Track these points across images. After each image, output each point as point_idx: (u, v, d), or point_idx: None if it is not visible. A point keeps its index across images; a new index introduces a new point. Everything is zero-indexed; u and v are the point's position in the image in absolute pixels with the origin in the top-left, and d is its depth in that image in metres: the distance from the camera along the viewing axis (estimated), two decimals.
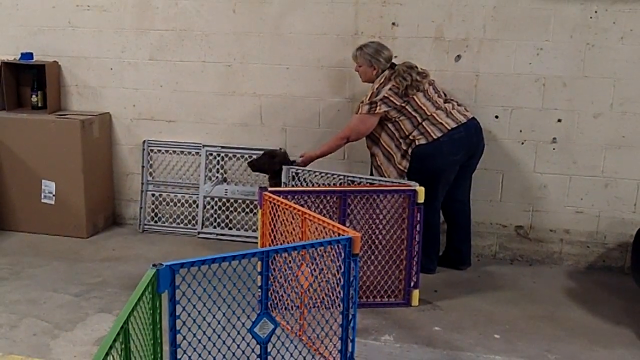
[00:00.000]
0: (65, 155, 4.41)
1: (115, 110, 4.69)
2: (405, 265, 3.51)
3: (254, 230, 4.49)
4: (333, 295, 2.75)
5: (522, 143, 4.11)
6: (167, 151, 4.67)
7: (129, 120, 4.69)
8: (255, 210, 4.50)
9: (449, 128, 3.70)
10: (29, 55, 4.60)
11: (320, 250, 2.72)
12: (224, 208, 4.60)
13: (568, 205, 4.12)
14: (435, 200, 3.77)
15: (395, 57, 3.96)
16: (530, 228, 4.21)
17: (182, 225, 4.70)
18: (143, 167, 4.68)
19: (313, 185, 3.81)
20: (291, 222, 2.98)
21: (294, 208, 2.97)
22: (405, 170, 3.74)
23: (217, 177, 4.59)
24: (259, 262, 2.43)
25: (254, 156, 4.37)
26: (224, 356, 2.45)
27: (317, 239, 2.77)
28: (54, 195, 4.48)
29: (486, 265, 4.17)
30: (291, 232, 2.99)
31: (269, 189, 3.30)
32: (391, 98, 3.69)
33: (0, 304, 3.41)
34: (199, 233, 4.60)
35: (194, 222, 4.67)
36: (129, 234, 4.65)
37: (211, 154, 4.57)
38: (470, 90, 4.10)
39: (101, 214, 4.67)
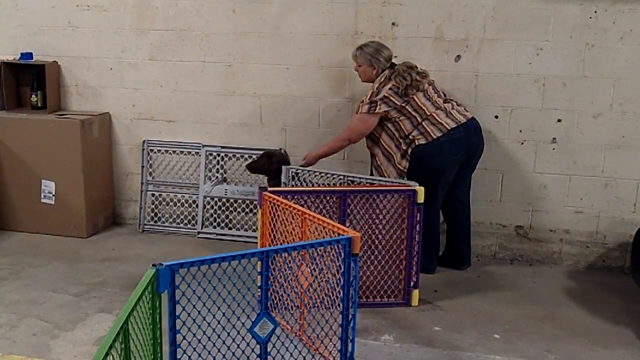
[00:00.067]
0: (65, 155, 4.41)
1: (115, 110, 4.69)
2: (405, 265, 3.51)
3: (254, 230, 4.49)
4: (333, 295, 2.75)
5: (522, 143, 4.11)
6: (167, 151, 4.67)
7: (128, 120, 4.69)
8: (255, 210, 4.50)
9: (449, 128, 3.70)
10: (29, 55, 4.60)
11: (320, 250, 2.72)
12: (223, 208, 4.60)
13: (568, 205, 4.12)
14: (435, 200, 3.77)
15: (395, 57, 3.96)
16: (530, 228, 4.21)
17: (182, 225, 4.70)
18: (143, 167, 4.68)
19: (313, 185, 3.81)
20: (291, 222, 2.98)
21: (294, 208, 2.97)
22: (405, 170, 3.74)
23: (217, 177, 4.59)
24: (259, 262, 2.43)
25: (254, 156, 4.38)
26: (223, 356, 2.45)
27: (317, 239, 2.77)
28: (53, 195, 4.48)
29: (486, 265, 4.17)
30: (291, 232, 2.99)
31: (269, 189, 3.30)
32: (391, 98, 3.70)
33: (0, 304, 3.41)
34: (198, 233, 4.61)
35: (193, 222, 4.67)
36: (128, 234, 4.65)
37: (211, 154, 4.57)
38: (470, 90, 4.10)
39: (101, 214, 4.67)
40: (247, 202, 4.55)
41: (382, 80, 3.76)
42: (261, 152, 4.40)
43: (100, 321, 3.23)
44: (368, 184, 3.62)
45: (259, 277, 2.45)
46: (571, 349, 3.10)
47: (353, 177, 3.71)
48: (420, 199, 3.40)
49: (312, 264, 2.77)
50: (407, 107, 3.71)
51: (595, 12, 3.86)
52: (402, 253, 3.50)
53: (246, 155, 4.51)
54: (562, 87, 3.99)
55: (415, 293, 3.54)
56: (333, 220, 2.96)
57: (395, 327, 3.27)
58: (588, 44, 3.91)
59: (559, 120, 4.03)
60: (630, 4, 3.81)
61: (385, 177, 3.77)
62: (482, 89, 4.09)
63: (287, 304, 3.04)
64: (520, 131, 4.09)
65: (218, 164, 4.58)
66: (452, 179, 3.84)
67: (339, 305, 2.68)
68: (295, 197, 3.30)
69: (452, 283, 3.85)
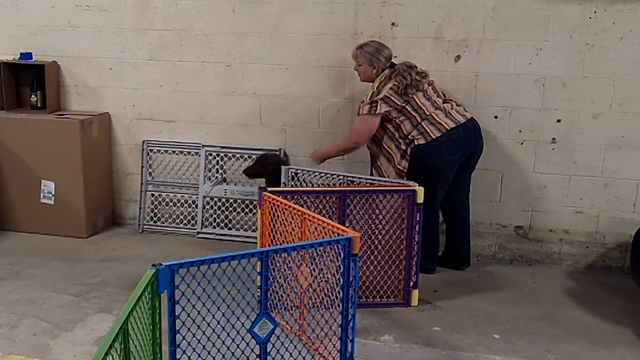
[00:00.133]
0: (64, 155, 4.40)
1: (115, 110, 4.69)
2: (405, 265, 3.51)
3: (254, 231, 4.49)
4: (332, 295, 2.75)
5: (522, 143, 4.11)
6: (166, 151, 4.67)
7: (128, 120, 4.69)
8: (254, 210, 4.50)
9: (448, 128, 3.70)
10: (28, 55, 4.59)
11: (319, 251, 2.72)
12: (223, 208, 4.60)
13: (567, 206, 4.12)
14: (434, 200, 3.77)
15: (395, 57, 3.96)
16: (529, 228, 4.21)
17: (181, 225, 4.69)
18: (142, 167, 4.68)
19: (312, 186, 3.81)
20: (291, 222, 2.98)
21: (294, 208, 2.97)
22: (405, 171, 3.74)
23: (216, 177, 4.59)
24: (259, 262, 2.43)
25: (254, 156, 4.38)
26: (223, 356, 2.45)
27: (316, 239, 2.77)
28: (53, 196, 4.48)
29: (486, 265, 4.17)
30: (291, 232, 2.99)
31: (269, 189, 3.30)
32: (392, 97, 3.69)
33: (0, 304, 3.41)
34: (198, 233, 4.60)
35: (193, 222, 4.67)
36: (128, 234, 4.65)
37: (211, 154, 4.57)
38: (469, 90, 4.10)
39: (101, 214, 4.67)
40: (247, 202, 4.55)
41: (382, 79, 3.76)
42: (261, 152, 4.42)
43: (100, 321, 3.23)
44: (368, 184, 3.62)
45: (259, 277, 2.45)
46: (571, 349, 3.10)
47: (353, 177, 3.71)
48: (420, 199, 3.40)
49: (312, 264, 2.77)
50: (407, 107, 3.71)
51: (595, 12, 3.86)
52: (401, 253, 3.50)
53: (246, 156, 4.51)
54: (562, 87, 3.99)
55: (415, 293, 3.54)
56: (333, 221, 2.96)
57: (395, 327, 3.27)
58: (588, 44, 3.91)
59: (559, 121, 4.03)
60: (630, 4, 3.81)
61: (385, 177, 3.77)
62: (482, 89, 4.09)
63: (287, 304, 3.04)
64: (520, 131, 4.09)
65: (218, 164, 4.58)
66: (452, 179, 3.84)
67: (338, 305, 2.68)
68: (295, 197, 3.30)
69: (452, 283, 3.85)
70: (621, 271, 4.10)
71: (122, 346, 1.74)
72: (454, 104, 3.84)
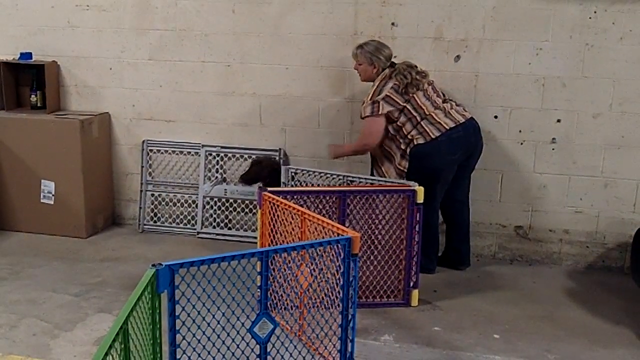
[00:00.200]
0: (64, 155, 4.40)
1: (115, 110, 4.69)
2: (405, 265, 3.51)
3: (254, 230, 4.49)
4: (332, 295, 2.75)
5: (522, 143, 4.11)
6: (166, 151, 4.67)
7: (128, 120, 4.68)
8: (254, 210, 4.50)
9: (447, 128, 3.70)
10: (28, 55, 4.59)
11: (319, 251, 2.72)
12: (223, 208, 4.60)
13: (567, 206, 4.12)
14: (434, 200, 3.77)
15: (395, 57, 3.96)
16: (529, 228, 4.21)
17: (181, 225, 4.69)
18: (142, 167, 4.68)
19: (312, 186, 3.81)
20: (290, 222, 2.98)
21: (294, 208, 2.97)
22: (405, 170, 3.74)
23: (216, 177, 4.59)
24: (259, 262, 2.43)
25: (254, 156, 4.38)
26: (223, 356, 2.45)
27: (316, 239, 2.77)
28: (53, 195, 4.48)
29: (486, 265, 4.17)
30: (291, 232, 2.99)
31: (269, 189, 3.30)
32: (393, 97, 3.70)
33: (0, 304, 3.41)
34: (198, 233, 4.60)
35: (193, 222, 4.67)
36: (128, 234, 4.65)
37: (210, 154, 4.57)
38: (469, 90, 4.10)
39: (101, 214, 4.67)
40: (247, 202, 4.55)
41: (382, 78, 3.76)
42: (261, 152, 4.42)
43: (100, 321, 3.23)
44: (367, 184, 3.62)
45: (259, 277, 2.45)
46: (571, 349, 3.10)
47: (352, 177, 3.71)
48: (420, 199, 3.40)
49: (312, 264, 2.77)
50: (407, 106, 3.71)
51: (595, 12, 3.86)
52: (401, 253, 3.50)
53: (246, 155, 4.51)
54: (562, 87, 3.99)
55: (415, 293, 3.54)
56: (332, 221, 2.96)
57: (394, 327, 3.27)
58: (588, 44, 3.91)
59: (559, 121, 4.03)
60: (630, 4, 3.81)
61: (385, 177, 3.77)
62: (482, 89, 4.09)
63: (287, 304, 3.04)
64: (520, 131, 4.09)
65: (217, 164, 4.58)
66: (451, 179, 3.84)
67: (338, 305, 2.68)
68: (295, 197, 3.30)
69: (452, 283, 3.85)
70: (621, 271, 4.10)
71: (122, 346, 1.74)
72: (453, 103, 3.85)
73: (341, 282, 2.63)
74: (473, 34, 4.04)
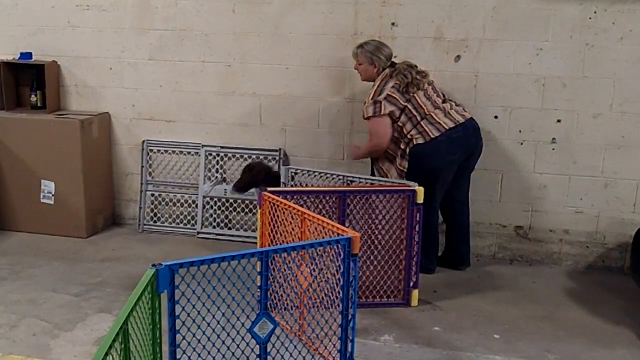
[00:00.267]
0: (64, 155, 4.40)
1: (115, 110, 4.69)
2: (405, 265, 3.51)
3: (254, 230, 4.48)
4: (332, 295, 2.75)
5: (522, 143, 4.11)
6: (166, 151, 4.66)
7: (128, 120, 4.68)
8: (254, 210, 4.49)
9: (447, 127, 3.70)
10: (28, 55, 4.59)
11: (319, 250, 2.72)
12: (223, 208, 4.60)
13: (567, 206, 4.12)
14: (434, 200, 3.77)
15: (395, 57, 3.96)
16: (529, 228, 4.21)
17: (181, 225, 4.69)
18: (142, 167, 4.68)
19: (312, 186, 3.81)
20: (290, 222, 2.98)
21: (294, 208, 2.97)
22: (405, 170, 3.74)
23: (216, 177, 4.59)
24: (259, 262, 2.43)
25: (253, 157, 4.38)
26: (223, 356, 2.45)
27: (316, 239, 2.77)
28: (53, 195, 4.48)
29: (486, 265, 4.17)
30: (290, 232, 2.98)
31: (268, 189, 3.30)
32: (394, 96, 3.70)
33: (0, 304, 3.41)
34: (198, 233, 4.60)
35: (193, 222, 4.66)
36: (128, 234, 4.65)
37: (210, 154, 4.57)
38: (469, 90, 4.10)
39: (101, 214, 4.67)
40: (247, 202, 4.55)
41: (383, 78, 3.76)
42: (261, 152, 4.42)
43: (100, 321, 3.23)
44: (367, 184, 3.62)
45: (259, 277, 2.45)
46: (571, 349, 3.10)
47: (352, 177, 3.70)
48: (420, 199, 3.40)
49: (312, 264, 2.77)
50: (408, 106, 3.71)
51: (595, 12, 3.86)
52: (401, 253, 3.50)
53: (245, 156, 4.51)
54: (562, 87, 3.99)
55: (415, 293, 3.53)
56: (332, 221, 2.96)
57: (394, 327, 3.27)
58: (588, 44, 3.91)
59: (559, 121, 4.03)
60: (630, 4, 3.81)
61: (386, 177, 3.77)
62: (482, 89, 4.09)
63: (287, 304, 3.04)
64: (520, 131, 4.09)
65: (217, 164, 4.58)
66: (451, 179, 3.84)
67: (338, 305, 2.68)
68: (295, 197, 3.30)
69: (452, 283, 3.85)
70: (621, 271, 4.10)
71: (122, 346, 1.74)
72: (453, 104, 3.85)
73: (341, 282, 2.63)
74: (473, 34, 4.03)
